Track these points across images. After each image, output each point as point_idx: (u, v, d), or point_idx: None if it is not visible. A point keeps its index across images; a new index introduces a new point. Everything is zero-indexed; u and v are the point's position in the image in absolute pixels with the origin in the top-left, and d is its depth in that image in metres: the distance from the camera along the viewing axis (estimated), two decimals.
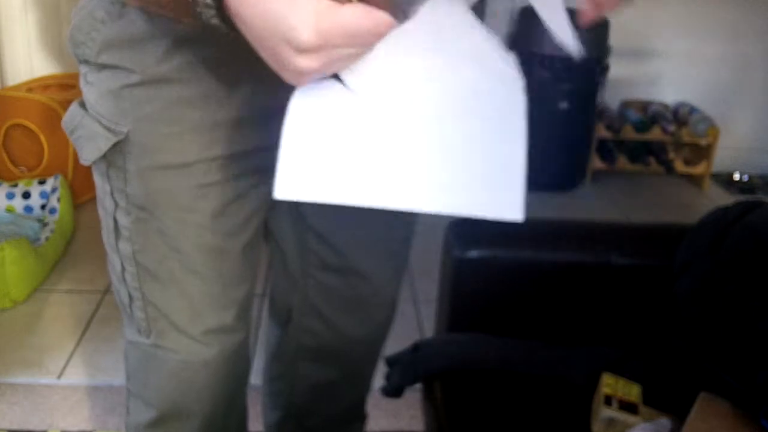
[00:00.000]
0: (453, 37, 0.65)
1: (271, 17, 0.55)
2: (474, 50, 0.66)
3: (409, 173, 0.63)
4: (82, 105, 0.81)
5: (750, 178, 3.10)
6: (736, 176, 3.10)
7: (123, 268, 0.86)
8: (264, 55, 0.59)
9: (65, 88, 2.65)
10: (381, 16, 0.56)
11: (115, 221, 0.84)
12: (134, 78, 0.75)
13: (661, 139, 2.94)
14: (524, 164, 0.67)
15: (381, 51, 0.61)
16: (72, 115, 0.81)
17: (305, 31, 0.54)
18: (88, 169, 0.85)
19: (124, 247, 0.84)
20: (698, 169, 3.00)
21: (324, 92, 0.61)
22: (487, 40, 0.66)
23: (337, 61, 0.58)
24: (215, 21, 0.59)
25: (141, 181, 0.80)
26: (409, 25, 0.62)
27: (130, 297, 0.87)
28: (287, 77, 0.59)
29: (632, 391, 1.06)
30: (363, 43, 0.57)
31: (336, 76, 0.62)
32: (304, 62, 0.56)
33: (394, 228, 1.01)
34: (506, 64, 0.66)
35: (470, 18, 0.66)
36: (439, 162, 0.64)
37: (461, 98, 0.66)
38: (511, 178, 0.66)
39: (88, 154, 0.80)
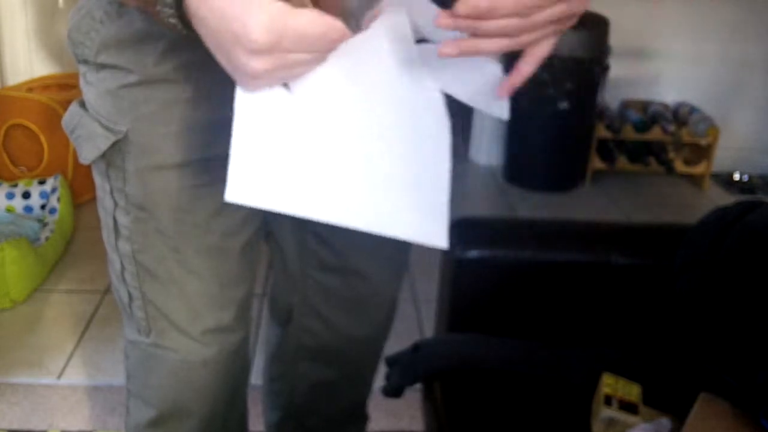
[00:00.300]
0: (395, 62, 0.67)
1: (227, 17, 0.56)
2: (411, 80, 0.68)
3: (343, 189, 0.66)
4: (82, 105, 0.81)
5: (750, 178, 3.10)
6: (736, 176, 3.10)
7: (122, 268, 0.86)
8: (218, 56, 0.60)
9: (65, 88, 2.65)
10: (334, 23, 0.57)
11: (115, 220, 0.84)
12: (132, 78, 0.75)
13: (661, 139, 2.94)
14: (448, 195, 0.70)
15: (326, 62, 0.63)
16: (72, 115, 0.82)
17: (258, 31, 0.55)
18: (88, 169, 0.85)
19: (124, 246, 0.84)
20: (698, 169, 3.00)
21: (267, 96, 0.63)
22: (425, 72, 0.69)
23: (288, 66, 0.58)
24: (173, 20, 0.60)
25: (139, 180, 0.80)
26: (355, 41, 0.63)
27: (130, 296, 0.87)
28: (240, 80, 0.60)
29: (632, 391, 1.06)
30: (315, 49, 0.58)
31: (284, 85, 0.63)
32: (256, 63, 0.57)
33: None
34: (437, 101, 0.69)
35: (412, 46, 0.68)
36: (371, 180, 0.67)
37: (394, 121, 0.68)
38: (436, 207, 0.70)
39: (87, 154, 0.80)
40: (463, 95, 0.73)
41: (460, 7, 0.58)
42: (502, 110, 0.72)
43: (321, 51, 0.59)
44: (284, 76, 0.61)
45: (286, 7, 0.56)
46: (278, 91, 0.63)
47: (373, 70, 0.67)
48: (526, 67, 0.65)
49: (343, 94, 0.66)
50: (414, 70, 0.69)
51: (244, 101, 0.62)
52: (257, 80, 0.59)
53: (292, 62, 0.58)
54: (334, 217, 0.66)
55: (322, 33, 0.57)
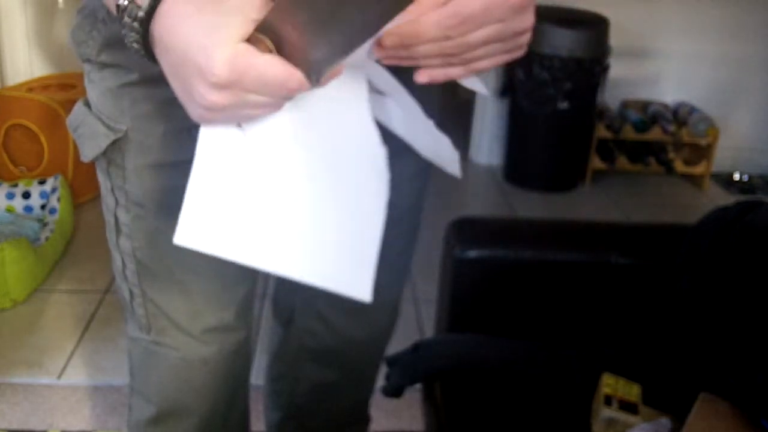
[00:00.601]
0: (347, 120, 0.70)
1: (192, 47, 0.57)
2: (356, 134, 0.71)
3: (283, 238, 0.68)
4: (87, 103, 0.81)
5: (750, 178, 3.10)
6: (736, 176, 3.10)
7: (123, 265, 0.86)
8: (175, 86, 0.61)
9: (65, 88, 2.65)
10: (294, 72, 0.58)
11: (116, 218, 0.84)
12: (133, 77, 0.76)
13: (661, 139, 2.94)
14: (377, 249, 0.72)
15: (281, 110, 0.64)
16: (76, 113, 0.82)
17: (221, 65, 0.55)
18: (88, 169, 0.85)
19: (124, 243, 0.85)
20: (698, 169, 3.00)
21: (227, 141, 0.64)
22: (371, 129, 0.71)
23: (244, 106, 0.59)
24: (136, 45, 0.61)
25: (139, 178, 0.80)
26: (312, 94, 0.64)
27: (131, 294, 0.87)
28: (193, 112, 0.60)
29: (632, 391, 1.06)
30: (272, 93, 0.59)
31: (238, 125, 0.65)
32: (214, 97, 0.57)
33: (393, 237, 1.01)
34: (378, 156, 0.71)
35: (365, 104, 0.70)
36: (310, 231, 0.69)
37: (336, 175, 0.70)
38: (365, 260, 0.72)
39: (88, 152, 0.81)
40: (417, 148, 0.78)
41: (386, 39, 0.60)
42: (454, 169, 0.77)
43: (278, 97, 0.60)
44: (238, 116, 0.61)
45: (252, 48, 0.57)
46: (234, 133, 0.64)
47: (324, 124, 0.69)
48: (455, 71, 0.65)
49: (293, 143, 0.67)
50: (363, 128, 0.71)
51: (205, 143, 0.63)
52: (211, 114, 0.60)
53: (248, 102, 0.59)
54: (272, 266, 0.68)
55: (282, 79, 0.58)
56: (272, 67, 0.57)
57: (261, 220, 0.67)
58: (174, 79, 0.60)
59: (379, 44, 0.61)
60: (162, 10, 0.58)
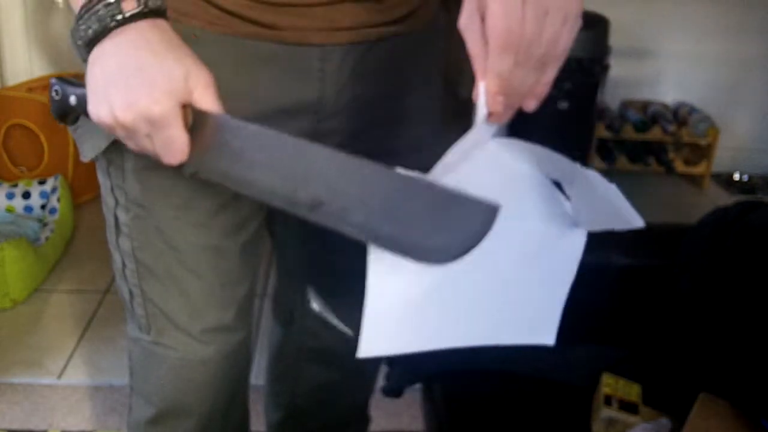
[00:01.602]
0: (520, 188, 0.71)
1: (155, 68, 0.62)
2: (541, 202, 0.72)
3: (469, 320, 0.72)
4: None
5: (750, 178, 3.09)
6: (736, 176, 3.10)
7: (123, 265, 0.86)
8: (98, 81, 0.64)
9: None
10: (186, 155, 0.65)
11: (116, 218, 0.84)
12: None
13: (661, 139, 2.94)
14: (564, 302, 0.76)
15: None
16: None
17: (165, 101, 0.62)
18: (88, 169, 0.85)
19: (124, 243, 0.85)
20: (698, 169, 3.00)
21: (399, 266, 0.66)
22: (553, 191, 0.72)
23: (132, 138, 0.65)
24: (89, 31, 0.64)
25: (138, 179, 0.80)
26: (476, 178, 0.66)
27: (131, 293, 0.88)
28: (98, 110, 0.65)
29: (632, 391, 1.06)
30: (161, 151, 0.65)
31: None
32: (129, 116, 0.62)
33: None
34: (569, 219, 0.73)
35: (533, 167, 0.72)
36: (495, 307, 0.73)
37: (524, 250, 0.72)
38: (552, 312, 0.76)
39: (87, 151, 0.81)
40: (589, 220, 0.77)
41: (492, 103, 0.62)
42: (632, 219, 0.76)
43: (158, 153, 0.65)
44: (125, 137, 0.66)
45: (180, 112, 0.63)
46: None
47: (501, 196, 0.69)
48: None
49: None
50: (542, 184, 0.72)
51: (377, 271, 0.67)
52: (110, 121, 0.64)
53: (138, 140, 0.65)
54: (453, 343, 0.72)
55: (178, 149, 0.64)
56: (181, 142, 0.64)
57: (438, 314, 0.70)
58: (106, 75, 0.63)
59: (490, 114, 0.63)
60: (136, 27, 0.63)
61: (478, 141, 0.67)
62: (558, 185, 0.72)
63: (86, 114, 0.68)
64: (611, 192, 0.71)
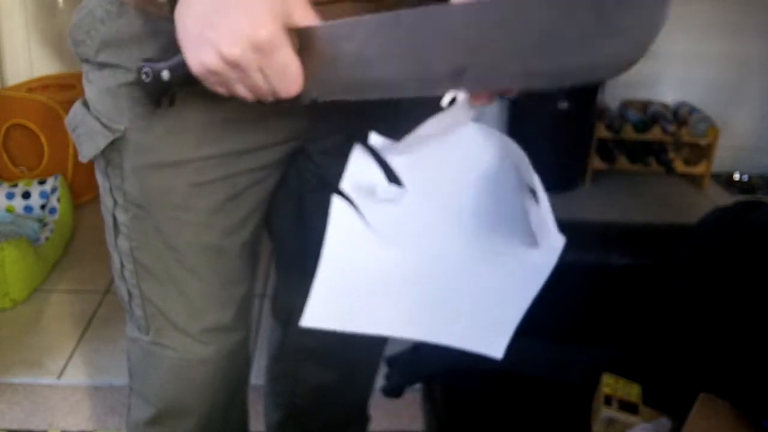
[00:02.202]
0: (500, 194, 0.69)
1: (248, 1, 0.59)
2: (514, 208, 0.69)
3: (420, 312, 0.70)
4: (85, 103, 0.81)
5: (750, 178, 3.09)
6: (736, 176, 3.10)
7: (122, 265, 0.86)
8: (195, 23, 0.61)
9: (65, 88, 2.65)
10: (301, 83, 0.61)
11: (114, 218, 0.84)
12: (131, 76, 0.75)
13: (661, 139, 2.94)
14: (520, 318, 0.71)
15: (420, 205, 0.67)
16: (74, 113, 0.82)
17: (268, 30, 0.59)
18: (88, 169, 0.85)
19: (123, 244, 0.85)
20: (698, 169, 3.00)
21: (354, 230, 0.67)
22: (527, 197, 0.69)
23: (243, 80, 0.62)
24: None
25: (137, 179, 0.80)
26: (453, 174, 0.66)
27: (129, 294, 0.87)
28: (201, 58, 0.62)
29: (632, 391, 1.06)
30: (274, 83, 0.62)
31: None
32: (237, 51, 0.59)
33: None
34: (552, 231, 0.69)
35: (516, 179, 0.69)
36: (449, 306, 0.70)
37: (490, 254, 0.70)
38: (506, 324, 0.72)
39: (86, 152, 0.81)
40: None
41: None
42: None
43: (271, 89, 0.62)
44: (228, 84, 0.63)
45: (288, 38, 0.60)
46: (363, 226, 0.67)
47: (474, 201, 0.70)
48: None
49: (436, 227, 0.69)
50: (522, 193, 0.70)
51: (334, 237, 0.66)
52: (216, 66, 0.61)
53: (249, 78, 0.61)
54: (399, 332, 0.70)
55: (293, 79, 0.61)
56: (295, 66, 0.60)
57: (390, 294, 0.69)
58: (201, 16, 0.60)
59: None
60: None
61: (457, 121, 0.65)
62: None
63: (185, 83, 0.64)
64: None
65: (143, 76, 0.67)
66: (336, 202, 0.67)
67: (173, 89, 0.68)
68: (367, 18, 0.60)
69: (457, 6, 0.57)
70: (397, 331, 0.70)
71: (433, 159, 0.67)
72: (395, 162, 0.68)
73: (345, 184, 0.67)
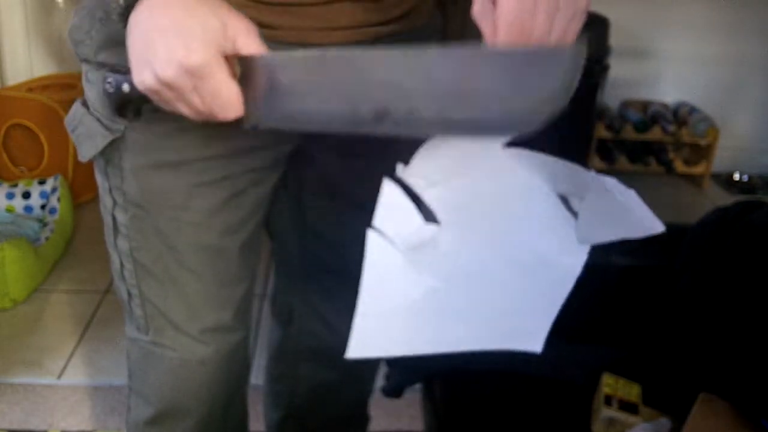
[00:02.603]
0: (525, 201, 0.71)
1: (186, 25, 0.62)
2: (546, 217, 0.71)
3: (459, 327, 0.72)
4: (84, 103, 0.81)
5: (750, 178, 3.09)
6: (736, 176, 3.10)
7: (122, 266, 0.86)
8: (139, 45, 0.64)
9: (65, 88, 2.65)
10: (239, 109, 0.64)
11: (114, 218, 0.84)
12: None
13: (661, 139, 2.94)
14: (556, 315, 0.75)
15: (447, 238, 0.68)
16: (74, 113, 0.82)
17: (198, 54, 0.61)
18: (88, 169, 0.85)
19: (122, 244, 0.85)
20: (698, 169, 3.00)
21: (393, 264, 0.68)
22: (559, 207, 0.71)
23: (180, 99, 0.64)
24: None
25: (136, 179, 0.80)
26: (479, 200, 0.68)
27: (129, 294, 0.87)
28: (142, 77, 0.64)
29: (632, 391, 1.06)
30: (210, 106, 0.64)
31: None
32: (171, 73, 0.62)
33: None
34: (572, 236, 0.72)
35: (542, 183, 0.70)
36: (486, 316, 0.73)
37: (522, 263, 0.72)
38: (541, 325, 0.75)
39: (85, 152, 0.81)
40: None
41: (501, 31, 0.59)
42: (652, 224, 0.72)
43: (209, 111, 0.64)
44: (166, 101, 0.65)
45: (225, 63, 0.62)
46: (399, 257, 0.68)
47: (500, 214, 0.71)
48: None
49: (470, 253, 0.70)
50: (549, 201, 0.72)
51: (371, 270, 0.67)
52: (155, 86, 0.63)
53: (186, 98, 0.63)
54: (442, 348, 0.72)
55: (226, 104, 0.63)
56: (229, 91, 0.63)
57: (431, 318, 0.71)
58: (143, 38, 0.63)
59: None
60: None
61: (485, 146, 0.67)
62: (565, 200, 0.72)
63: (141, 100, 0.67)
64: (630, 198, 0.69)
65: (107, 86, 0.69)
66: (371, 236, 0.68)
67: (134, 102, 0.71)
68: (299, 53, 0.63)
69: (379, 52, 0.61)
70: (440, 348, 0.72)
71: (465, 188, 0.69)
72: (427, 196, 0.69)
73: (378, 222, 0.67)
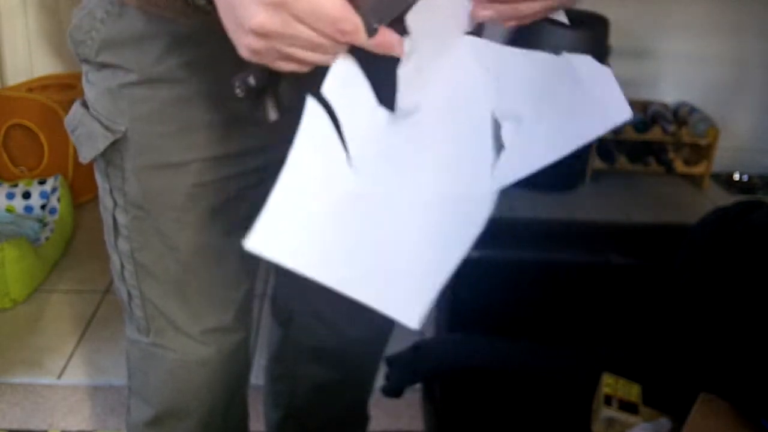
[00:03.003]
0: (464, 124, 0.66)
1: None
2: (475, 145, 0.67)
3: (355, 259, 0.66)
4: (84, 104, 0.81)
5: (750, 178, 3.09)
6: (736, 176, 3.10)
7: (122, 267, 0.86)
8: (225, 10, 0.59)
9: (65, 88, 2.65)
10: (351, 16, 0.55)
11: (114, 219, 0.84)
12: (132, 77, 0.75)
13: (661, 139, 2.94)
14: (442, 285, 0.69)
15: (393, 139, 0.62)
16: (74, 114, 0.82)
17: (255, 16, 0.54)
18: (88, 169, 0.85)
19: (123, 245, 0.85)
20: (698, 169, 3.00)
21: (327, 149, 0.61)
22: (487, 135, 0.67)
23: (294, 41, 0.56)
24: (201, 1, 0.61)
25: (137, 179, 0.80)
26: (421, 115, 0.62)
27: (129, 295, 0.87)
28: (242, 42, 0.58)
29: (632, 391, 1.06)
30: (324, 31, 0.56)
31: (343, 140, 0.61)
32: (262, 16, 0.54)
33: None
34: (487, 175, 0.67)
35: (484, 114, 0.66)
36: (384, 257, 0.67)
37: (442, 196, 0.68)
38: (426, 292, 0.69)
39: (86, 153, 0.81)
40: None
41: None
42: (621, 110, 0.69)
43: (329, 38, 0.56)
44: (286, 54, 0.58)
45: None
46: (338, 161, 0.61)
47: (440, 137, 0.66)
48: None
49: (398, 169, 0.65)
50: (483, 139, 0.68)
51: (301, 150, 0.60)
52: (259, 43, 0.56)
53: (297, 36, 0.55)
54: (331, 282, 0.66)
55: (335, 17, 0.54)
56: (329, 1, 0.54)
57: (334, 239, 0.64)
58: (224, 9, 0.58)
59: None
60: None
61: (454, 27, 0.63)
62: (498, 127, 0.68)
63: (269, 79, 0.61)
64: (603, 77, 0.67)
65: (237, 92, 0.63)
66: (311, 105, 0.59)
67: (267, 91, 0.64)
68: None
69: None
70: (328, 280, 0.65)
71: (423, 84, 0.63)
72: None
73: (326, 90, 0.59)
